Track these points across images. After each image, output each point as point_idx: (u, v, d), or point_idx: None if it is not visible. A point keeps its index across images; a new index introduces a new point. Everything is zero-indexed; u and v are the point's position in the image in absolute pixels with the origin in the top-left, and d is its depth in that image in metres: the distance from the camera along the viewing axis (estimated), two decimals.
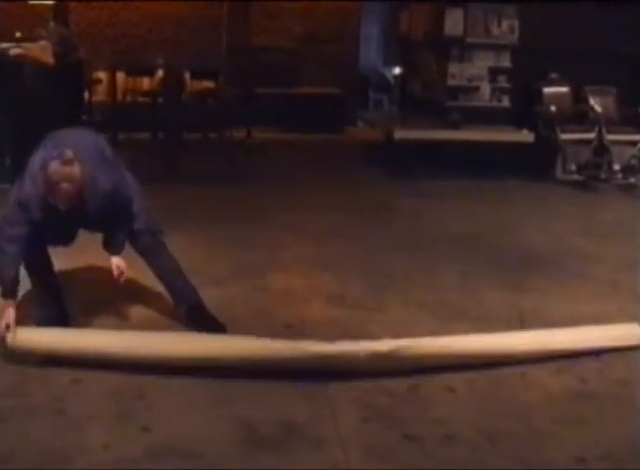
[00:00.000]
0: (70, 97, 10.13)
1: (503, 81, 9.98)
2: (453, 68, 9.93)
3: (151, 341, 3.90)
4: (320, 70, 12.39)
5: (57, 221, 3.91)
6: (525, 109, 9.80)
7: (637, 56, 9.93)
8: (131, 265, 4.40)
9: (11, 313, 3.89)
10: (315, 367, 3.74)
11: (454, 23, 9.82)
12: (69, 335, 4.01)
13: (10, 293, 3.95)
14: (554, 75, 9.96)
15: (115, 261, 4.24)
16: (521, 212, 7.60)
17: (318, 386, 3.75)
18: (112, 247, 4.27)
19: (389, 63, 13.63)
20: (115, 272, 4.22)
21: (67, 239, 4.28)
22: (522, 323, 4.48)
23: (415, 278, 5.49)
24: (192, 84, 11.15)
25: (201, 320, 4.33)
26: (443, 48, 10.03)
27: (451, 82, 9.96)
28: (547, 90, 9.82)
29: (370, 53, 14.24)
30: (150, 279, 4.63)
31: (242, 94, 11.15)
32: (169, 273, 4.44)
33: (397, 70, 12.86)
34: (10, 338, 3.79)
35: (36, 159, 3.92)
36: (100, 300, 4.73)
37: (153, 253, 4.37)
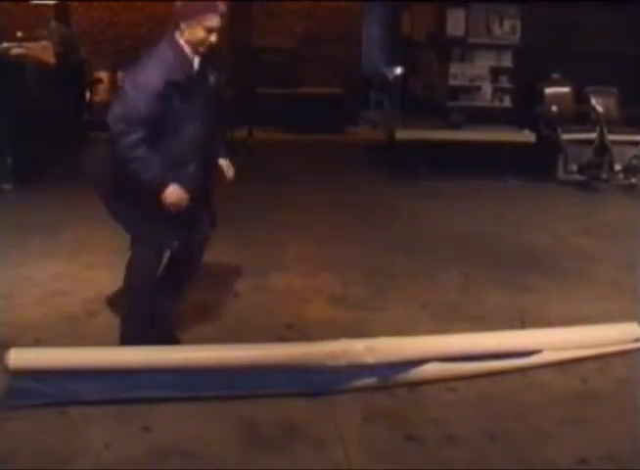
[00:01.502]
0: (72, 97, 10.17)
1: (505, 81, 9.99)
2: (455, 68, 9.93)
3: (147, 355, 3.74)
4: (321, 71, 12.40)
5: (189, 90, 3.74)
6: (527, 109, 9.80)
7: (639, 56, 9.93)
8: None
9: (177, 189, 3.71)
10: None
11: (456, 23, 9.82)
12: (67, 354, 3.77)
13: (163, 179, 3.70)
14: (555, 76, 9.96)
15: (224, 163, 4.05)
16: (522, 212, 7.60)
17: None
18: (218, 147, 4.09)
19: (391, 63, 13.63)
20: (229, 174, 4.03)
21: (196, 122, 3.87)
22: (522, 323, 4.48)
23: (416, 278, 5.49)
24: None
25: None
26: (445, 48, 10.03)
27: (453, 82, 9.96)
28: (549, 90, 9.82)
29: (372, 53, 14.24)
30: None
31: (243, 94, 11.15)
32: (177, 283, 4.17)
33: (398, 71, 12.86)
34: (12, 360, 3.67)
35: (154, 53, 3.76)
36: (103, 298, 4.74)
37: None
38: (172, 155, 3.74)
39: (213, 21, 3.71)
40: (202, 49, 3.76)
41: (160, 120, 3.68)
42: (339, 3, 12.43)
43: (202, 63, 3.84)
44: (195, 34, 3.72)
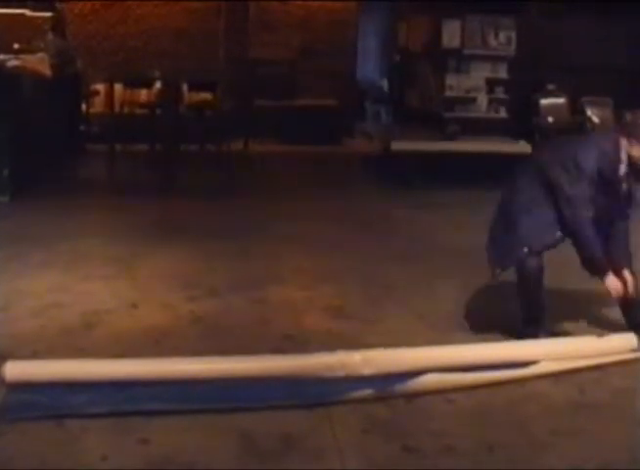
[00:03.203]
0: (68, 109, 10.18)
1: (500, 92, 10.02)
2: (450, 79, 9.97)
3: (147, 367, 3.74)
4: (317, 82, 12.44)
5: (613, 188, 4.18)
6: (523, 120, 9.83)
7: (634, 67, 9.98)
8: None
9: (615, 279, 4.21)
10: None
11: (451, 34, 9.87)
12: (65, 366, 3.75)
13: (605, 265, 4.20)
14: (551, 87, 9.99)
15: (629, 277, 4.36)
16: None
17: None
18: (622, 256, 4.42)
19: (387, 75, 13.66)
20: (631, 290, 4.33)
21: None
22: (520, 333, 4.47)
23: (413, 289, 5.49)
24: (189, 96, 11.19)
25: None
26: (441, 59, 10.07)
27: (448, 93, 10.00)
28: (544, 101, 9.86)
29: (367, 65, 14.26)
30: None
31: (239, 106, 11.18)
32: None
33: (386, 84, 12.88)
34: (9, 372, 3.63)
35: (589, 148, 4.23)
36: (100, 310, 4.73)
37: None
38: None
39: None
40: (633, 162, 4.16)
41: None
42: (334, 15, 12.47)
43: (628, 171, 4.20)
44: (638, 152, 4.14)
